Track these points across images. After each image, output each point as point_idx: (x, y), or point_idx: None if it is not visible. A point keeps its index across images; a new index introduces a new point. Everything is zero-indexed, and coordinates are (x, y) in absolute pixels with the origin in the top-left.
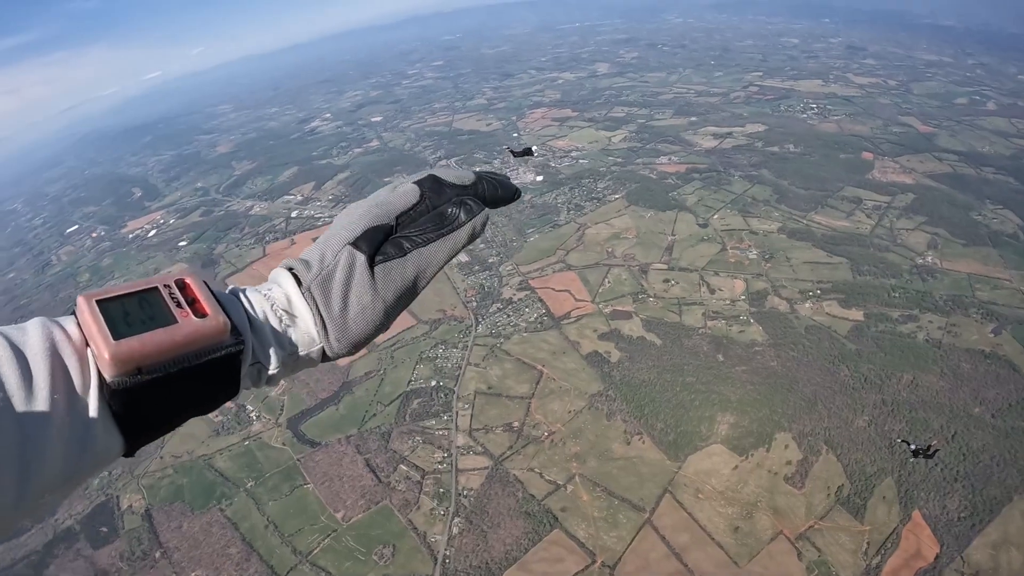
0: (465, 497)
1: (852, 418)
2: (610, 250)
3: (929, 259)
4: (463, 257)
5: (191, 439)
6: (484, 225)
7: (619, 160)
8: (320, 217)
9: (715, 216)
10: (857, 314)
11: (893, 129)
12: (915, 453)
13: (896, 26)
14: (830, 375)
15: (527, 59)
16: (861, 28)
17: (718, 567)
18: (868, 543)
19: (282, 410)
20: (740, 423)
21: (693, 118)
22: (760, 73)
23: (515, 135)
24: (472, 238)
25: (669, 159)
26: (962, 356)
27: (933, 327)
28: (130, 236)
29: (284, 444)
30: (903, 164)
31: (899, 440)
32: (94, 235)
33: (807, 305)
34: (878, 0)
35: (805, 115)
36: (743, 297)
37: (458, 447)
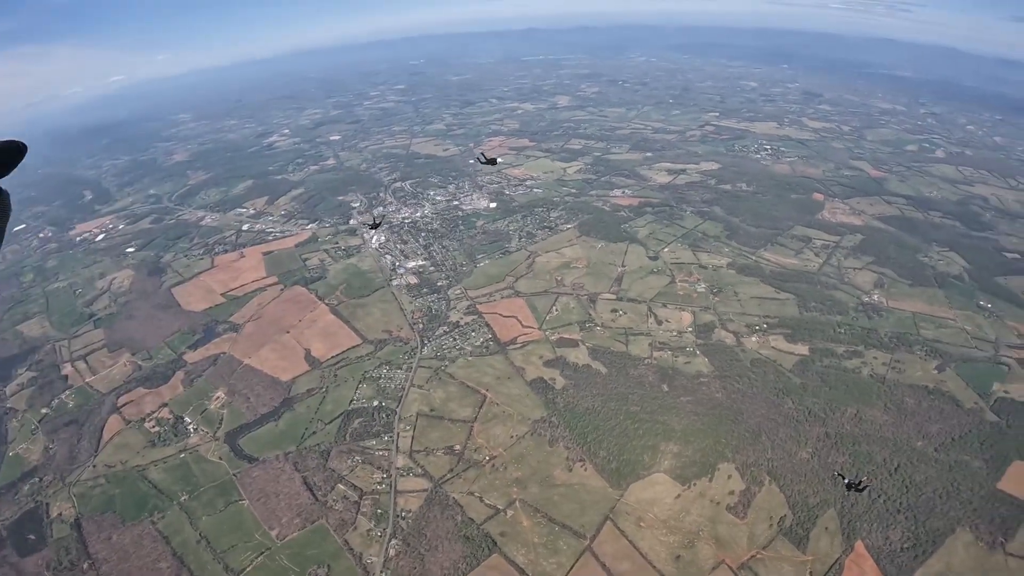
0: (403, 519)
1: (796, 450)
2: (559, 279)
3: (875, 297)
4: (412, 279)
5: (126, 449)
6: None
7: (573, 191)
8: (271, 232)
9: (665, 249)
10: (803, 349)
11: (844, 172)
12: (848, 486)
13: (854, 75)
14: (775, 407)
15: (489, 88)
16: (819, 75)
17: None
18: (811, 573)
19: (221, 423)
20: (684, 453)
21: (649, 154)
22: (717, 113)
23: (471, 162)
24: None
25: (623, 192)
26: (906, 391)
27: (878, 363)
28: (78, 239)
29: (221, 458)
30: (853, 206)
31: (835, 473)
32: (41, 235)
33: (753, 339)
34: (837, 50)
35: (759, 156)
36: (690, 329)
37: (398, 468)
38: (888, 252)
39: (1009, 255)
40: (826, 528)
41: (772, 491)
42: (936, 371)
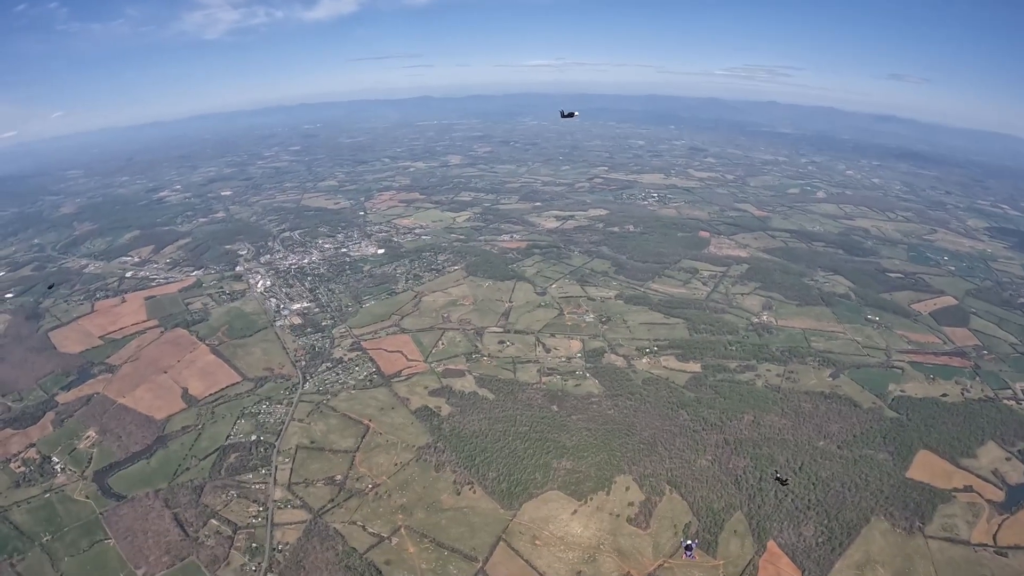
0: (280, 552)
1: (694, 458)
2: (446, 315)
3: (764, 318)
4: (296, 320)
5: None
6: None
7: (461, 237)
8: (155, 278)
9: (553, 285)
10: (695, 366)
11: (729, 214)
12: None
13: (736, 133)
14: (669, 420)
15: (382, 149)
16: (704, 134)
17: None
18: None
19: (89, 462)
20: (577, 468)
21: (538, 203)
22: (606, 168)
23: (361, 214)
24: None
25: (511, 237)
26: (802, 398)
27: (771, 375)
28: None
29: (88, 497)
30: (738, 241)
31: (773, 473)
32: None
33: (644, 360)
34: (722, 111)
35: (646, 202)
36: (579, 355)
37: (275, 501)
38: (774, 278)
39: (892, 274)
40: (735, 531)
41: (674, 499)
42: (831, 378)
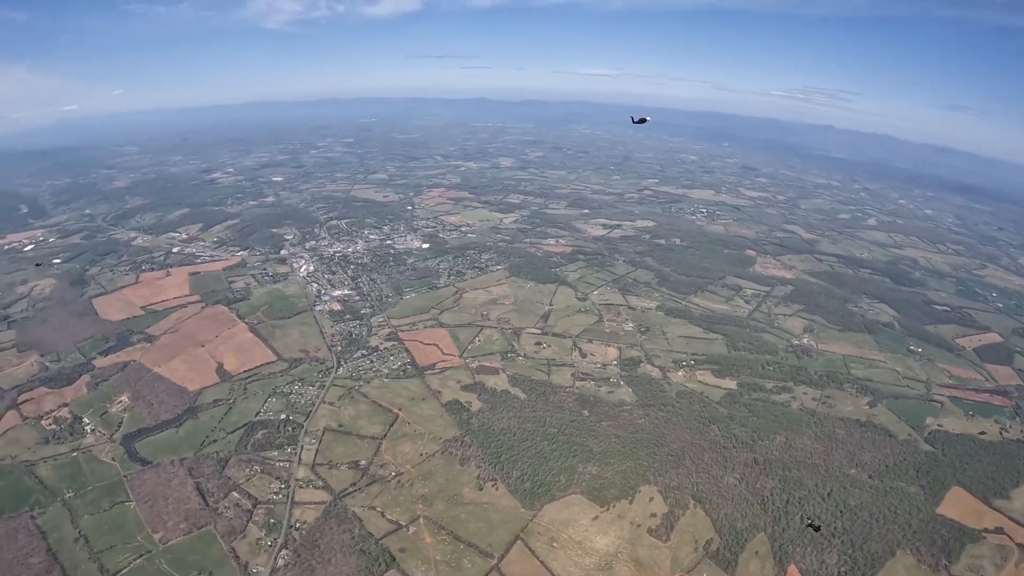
0: (297, 530)
1: (722, 475)
2: (485, 313)
3: (805, 341)
4: (336, 306)
5: (17, 444)
6: None
7: (507, 238)
8: (201, 255)
9: (595, 292)
10: (731, 383)
11: (777, 234)
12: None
13: (791, 155)
14: (700, 434)
15: (435, 147)
16: (758, 153)
17: None
18: None
19: (119, 426)
20: (602, 474)
21: (586, 211)
22: (656, 180)
23: (409, 208)
24: None
25: (556, 241)
26: (837, 424)
27: (807, 398)
28: (6, 247)
29: (114, 459)
30: (784, 262)
31: (804, 518)
32: None
33: (680, 373)
34: (777, 133)
35: (694, 217)
36: (615, 363)
37: (297, 479)
38: (818, 301)
39: (938, 307)
40: (756, 552)
41: (697, 514)
42: (868, 406)
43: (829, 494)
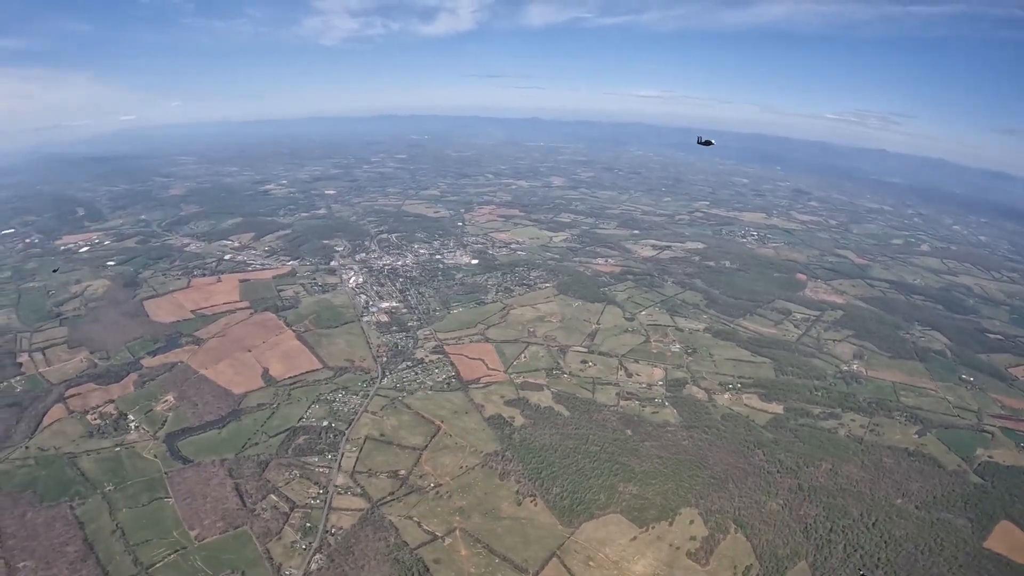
0: (332, 535)
1: (765, 500)
2: (532, 330)
3: (855, 367)
4: (383, 317)
5: (62, 436)
6: None
7: (556, 256)
8: (252, 263)
9: (643, 312)
10: (777, 408)
11: (828, 259)
12: None
13: (843, 179)
14: (743, 458)
15: (487, 165)
16: (810, 177)
17: None
18: None
19: (163, 424)
20: (643, 495)
21: (636, 231)
22: (707, 202)
23: (460, 224)
24: None
25: (606, 261)
26: (884, 452)
27: (855, 425)
28: (62, 248)
29: (156, 456)
30: (835, 287)
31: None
32: (27, 241)
33: (726, 396)
34: (829, 156)
35: (745, 239)
36: (660, 383)
37: (336, 486)
38: (869, 327)
39: (992, 335)
40: None
41: (738, 539)
42: (916, 435)
43: (874, 524)
